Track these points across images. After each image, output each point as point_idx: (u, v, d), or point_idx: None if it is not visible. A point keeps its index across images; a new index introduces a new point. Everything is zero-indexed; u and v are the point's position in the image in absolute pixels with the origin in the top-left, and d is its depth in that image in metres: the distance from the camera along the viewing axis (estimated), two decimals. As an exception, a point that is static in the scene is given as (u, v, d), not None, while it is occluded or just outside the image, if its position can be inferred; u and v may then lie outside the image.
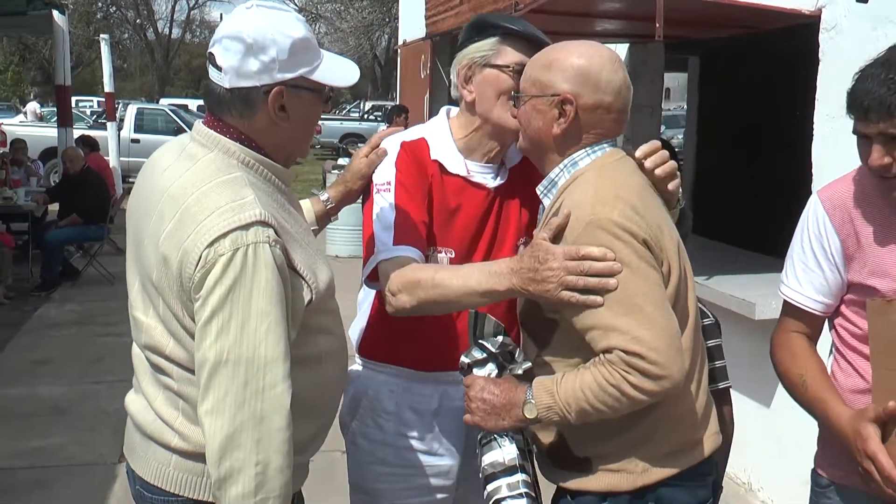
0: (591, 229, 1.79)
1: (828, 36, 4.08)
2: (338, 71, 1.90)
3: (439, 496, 2.40)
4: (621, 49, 6.44)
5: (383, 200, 2.20)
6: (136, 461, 1.94)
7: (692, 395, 1.91)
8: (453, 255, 2.24)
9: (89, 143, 11.38)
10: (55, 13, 11.18)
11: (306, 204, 2.39)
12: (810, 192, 4.15)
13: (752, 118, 7.95)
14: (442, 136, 2.29)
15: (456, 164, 2.26)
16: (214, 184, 1.76)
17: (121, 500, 4.26)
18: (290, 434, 1.72)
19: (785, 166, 5.81)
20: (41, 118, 24.68)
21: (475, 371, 1.98)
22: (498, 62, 2.19)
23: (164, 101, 30.83)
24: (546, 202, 2.00)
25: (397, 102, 14.27)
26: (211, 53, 1.81)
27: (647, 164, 1.97)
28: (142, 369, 1.92)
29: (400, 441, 2.35)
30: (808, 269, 2.14)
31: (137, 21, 52.45)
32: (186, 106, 26.83)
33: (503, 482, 1.91)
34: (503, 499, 1.89)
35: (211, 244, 1.68)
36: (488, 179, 2.28)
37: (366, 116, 30.34)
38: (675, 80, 27.51)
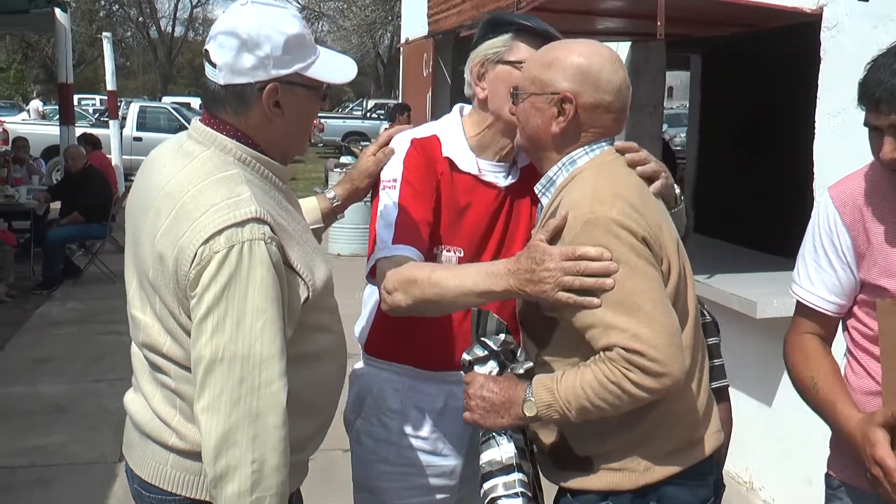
0: (590, 228, 1.78)
1: (829, 34, 4.07)
2: (334, 67, 1.89)
3: (442, 496, 2.39)
4: (623, 47, 6.43)
5: (388, 198, 2.19)
6: (134, 460, 1.94)
7: (693, 394, 1.90)
8: (462, 255, 2.22)
9: (91, 142, 11.38)
10: (57, 11, 11.20)
11: (312, 201, 2.39)
12: (812, 191, 4.16)
13: (753, 116, 7.96)
14: (454, 133, 2.28)
15: (467, 161, 2.25)
16: (210, 181, 1.75)
17: (121, 499, 4.27)
18: (287, 432, 1.71)
19: (786, 164, 5.80)
20: (44, 116, 24.70)
21: (476, 368, 1.97)
22: (510, 58, 2.18)
23: (166, 100, 30.92)
24: (544, 201, 1.99)
25: (400, 100, 14.26)
26: (206, 50, 1.81)
27: (625, 159, 1.96)
28: (140, 368, 1.92)
29: (404, 440, 2.34)
30: (820, 268, 2.09)
31: (140, 19, 52.51)
32: (189, 104, 26.92)
33: (499, 481, 1.90)
34: (499, 497, 1.89)
35: (206, 241, 1.67)
36: (499, 178, 2.27)
37: (368, 115, 30.34)
38: (677, 79, 27.47)
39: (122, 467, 2.00)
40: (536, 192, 2.02)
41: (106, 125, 15.96)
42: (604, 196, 1.81)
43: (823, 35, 4.11)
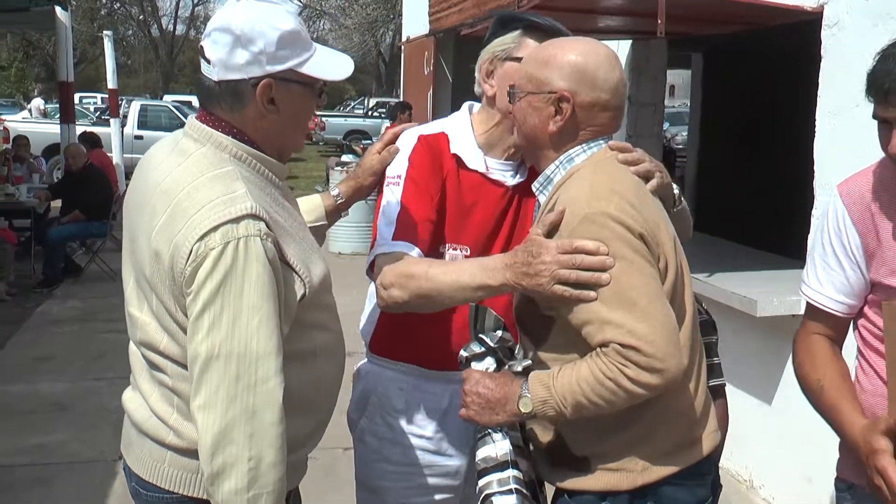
0: (587, 223, 1.77)
1: (830, 32, 4.07)
2: (329, 64, 1.88)
3: (446, 496, 2.38)
4: (624, 46, 6.42)
5: (391, 194, 2.19)
6: (132, 458, 1.94)
7: (690, 393, 1.89)
8: (468, 253, 2.21)
9: (92, 140, 11.36)
10: (58, 9, 11.18)
11: (316, 199, 2.38)
12: (812, 189, 4.16)
13: (754, 114, 7.97)
14: (463, 130, 2.28)
15: (475, 159, 2.24)
16: (206, 178, 1.75)
17: (121, 498, 4.26)
18: (283, 429, 1.71)
19: (787, 162, 5.80)
20: (45, 114, 24.70)
21: (473, 365, 1.97)
22: (519, 55, 2.17)
23: (167, 98, 30.88)
24: (541, 198, 1.98)
25: (401, 99, 14.25)
26: (201, 46, 1.81)
27: (618, 159, 1.95)
28: (138, 366, 1.92)
29: (408, 439, 2.33)
30: (829, 267, 2.05)
31: (141, 17, 52.47)
32: (190, 102, 26.86)
33: (494, 477, 1.90)
34: (493, 494, 1.88)
35: (201, 238, 1.67)
36: (507, 177, 2.26)
37: (370, 113, 30.34)
38: (679, 77, 27.47)
39: (122, 465, 2.00)
40: (534, 189, 2.01)
41: (107, 123, 15.94)
42: (601, 192, 1.81)
43: (824, 33, 4.10)
